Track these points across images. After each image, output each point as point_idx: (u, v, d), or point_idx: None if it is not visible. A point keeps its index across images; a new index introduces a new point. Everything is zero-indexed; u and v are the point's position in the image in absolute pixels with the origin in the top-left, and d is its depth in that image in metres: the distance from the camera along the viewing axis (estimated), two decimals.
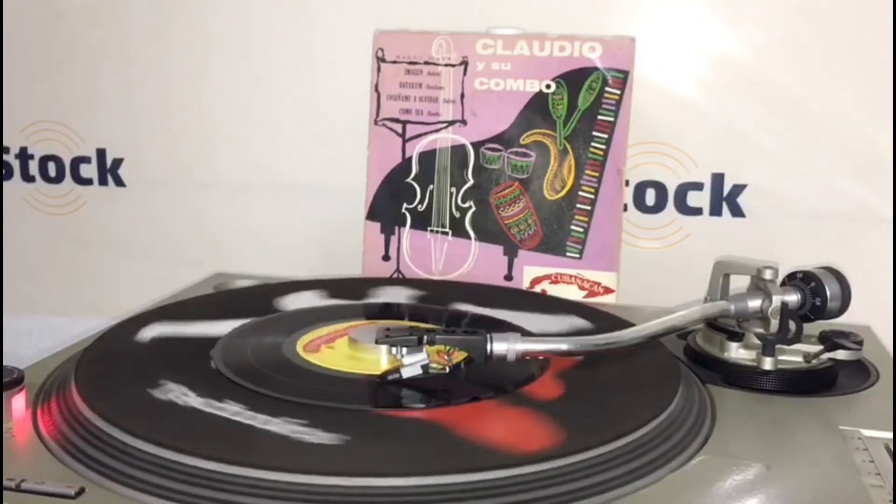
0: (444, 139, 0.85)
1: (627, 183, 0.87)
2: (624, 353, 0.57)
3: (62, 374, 0.56)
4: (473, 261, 0.84)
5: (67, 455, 0.46)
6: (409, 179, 0.85)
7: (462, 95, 0.84)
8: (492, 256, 0.84)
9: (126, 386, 0.53)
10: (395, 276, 0.85)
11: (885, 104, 0.82)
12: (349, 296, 0.73)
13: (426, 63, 0.85)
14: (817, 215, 0.85)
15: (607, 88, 0.81)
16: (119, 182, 1.00)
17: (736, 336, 0.62)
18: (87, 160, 1.00)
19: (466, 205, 0.84)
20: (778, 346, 0.59)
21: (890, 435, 0.52)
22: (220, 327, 0.64)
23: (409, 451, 0.46)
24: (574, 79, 0.82)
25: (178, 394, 0.52)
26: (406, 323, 0.67)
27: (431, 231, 0.85)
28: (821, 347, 0.60)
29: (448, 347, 0.55)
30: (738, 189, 0.86)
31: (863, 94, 0.83)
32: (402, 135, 0.85)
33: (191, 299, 0.73)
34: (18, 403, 0.51)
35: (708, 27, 0.85)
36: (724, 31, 0.84)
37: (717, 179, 0.86)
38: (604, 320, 0.68)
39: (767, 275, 0.60)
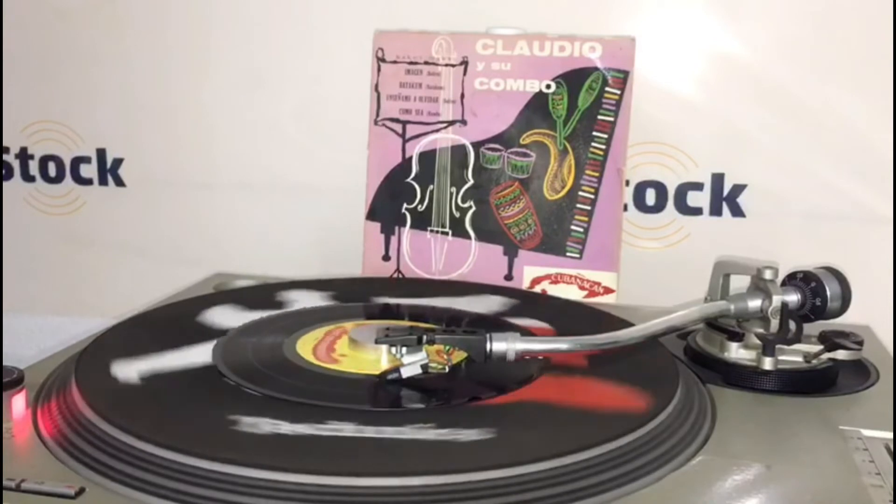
0: (444, 139, 0.85)
1: (627, 183, 0.87)
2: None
3: (62, 374, 0.56)
4: (473, 261, 0.84)
5: (67, 455, 0.46)
6: (409, 179, 0.85)
7: (462, 95, 0.84)
8: (492, 256, 0.84)
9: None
10: (396, 276, 0.85)
11: (885, 104, 0.82)
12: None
13: (426, 63, 0.85)
14: (817, 215, 0.85)
15: (607, 88, 0.81)
16: (119, 182, 1.00)
17: (736, 336, 0.62)
18: (87, 160, 1.00)
19: (466, 205, 0.84)
20: (778, 346, 0.59)
21: (890, 435, 0.52)
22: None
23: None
24: (574, 79, 0.82)
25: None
26: (405, 323, 0.67)
27: (431, 231, 0.85)
28: (821, 347, 0.60)
29: (448, 347, 0.55)
30: (738, 189, 0.86)
31: (863, 94, 0.83)
32: (402, 135, 0.85)
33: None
34: (18, 403, 0.51)
35: (708, 27, 0.85)
36: (724, 31, 0.84)
37: (717, 179, 0.86)
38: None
39: (767, 275, 0.60)
